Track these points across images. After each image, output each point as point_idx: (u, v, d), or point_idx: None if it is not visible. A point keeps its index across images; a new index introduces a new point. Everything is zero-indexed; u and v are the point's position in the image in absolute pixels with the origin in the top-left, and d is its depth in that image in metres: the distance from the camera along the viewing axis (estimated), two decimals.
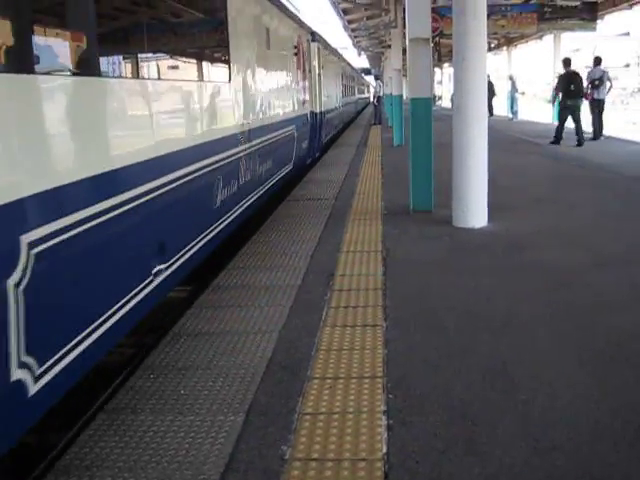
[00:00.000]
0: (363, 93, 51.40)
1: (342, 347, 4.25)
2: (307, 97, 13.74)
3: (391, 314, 4.84)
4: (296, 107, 12.05)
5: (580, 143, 15.98)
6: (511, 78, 30.21)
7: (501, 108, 31.28)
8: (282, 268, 6.20)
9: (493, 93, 30.29)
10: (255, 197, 8.00)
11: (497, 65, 38.69)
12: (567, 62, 16.79)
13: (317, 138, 15.52)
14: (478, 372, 3.82)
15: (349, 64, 34.23)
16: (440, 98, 47.75)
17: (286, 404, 3.53)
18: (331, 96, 20.43)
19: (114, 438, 3.27)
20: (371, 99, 37.26)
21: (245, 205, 7.41)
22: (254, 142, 7.82)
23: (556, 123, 17.37)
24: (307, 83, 13.86)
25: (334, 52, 23.46)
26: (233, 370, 4.01)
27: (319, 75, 16.15)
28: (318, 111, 15.44)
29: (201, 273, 6.22)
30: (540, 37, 28.92)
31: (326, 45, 19.41)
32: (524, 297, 5.14)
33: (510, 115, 29.22)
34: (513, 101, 29.45)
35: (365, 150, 17.84)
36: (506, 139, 18.50)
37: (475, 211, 7.53)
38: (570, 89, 16.21)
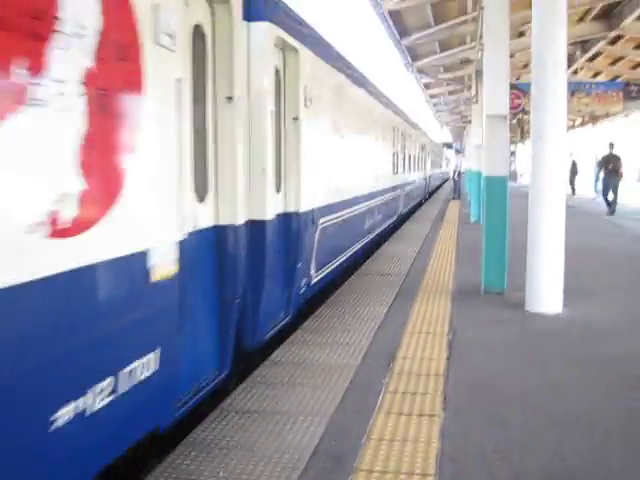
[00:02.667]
0: (439, 167, 48.66)
1: (394, 438, 3.98)
2: None
3: (451, 403, 4.54)
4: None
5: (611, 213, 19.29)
6: (596, 157, 29.57)
7: (586, 187, 30.54)
8: (342, 346, 5.98)
9: (576, 172, 29.77)
10: None
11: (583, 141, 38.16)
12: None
13: None
14: (539, 477, 3.49)
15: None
16: (521, 175, 47.01)
17: None
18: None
19: None
20: (450, 174, 35.82)
21: None
22: None
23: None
24: None
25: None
26: (277, 454, 3.79)
27: None
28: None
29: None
30: (626, 115, 28.28)
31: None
32: (598, 394, 4.76)
33: (595, 194, 28.43)
34: (598, 180, 28.67)
35: (441, 225, 17.58)
36: (587, 218, 17.95)
37: (549, 295, 7.13)
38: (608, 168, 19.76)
